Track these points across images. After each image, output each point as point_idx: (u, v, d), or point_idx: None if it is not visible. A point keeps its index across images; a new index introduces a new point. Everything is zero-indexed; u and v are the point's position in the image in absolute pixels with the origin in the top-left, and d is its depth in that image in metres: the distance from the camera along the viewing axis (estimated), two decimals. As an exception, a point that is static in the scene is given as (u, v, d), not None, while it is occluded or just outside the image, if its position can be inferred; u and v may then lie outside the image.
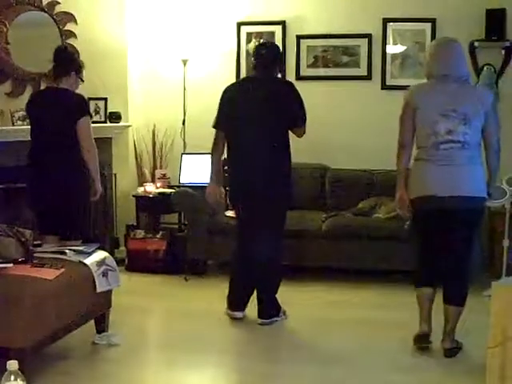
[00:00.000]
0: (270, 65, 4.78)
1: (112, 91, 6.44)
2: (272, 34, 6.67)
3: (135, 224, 6.56)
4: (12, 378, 2.04)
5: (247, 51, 6.63)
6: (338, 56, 6.63)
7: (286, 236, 5.46)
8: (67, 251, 4.23)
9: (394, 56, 6.54)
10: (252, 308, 4.85)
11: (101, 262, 4.27)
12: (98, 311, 4.34)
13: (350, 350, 4.32)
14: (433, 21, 6.36)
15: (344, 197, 6.28)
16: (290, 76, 6.67)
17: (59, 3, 5.97)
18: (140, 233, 6.38)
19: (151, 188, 6.53)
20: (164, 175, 6.67)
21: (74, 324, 4.08)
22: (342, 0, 6.56)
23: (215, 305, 4.98)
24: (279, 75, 4.99)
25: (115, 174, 6.55)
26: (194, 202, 6.01)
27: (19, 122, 5.52)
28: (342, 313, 5.08)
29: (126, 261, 6.32)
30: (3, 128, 5.47)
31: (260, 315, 4.80)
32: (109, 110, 6.42)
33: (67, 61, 4.72)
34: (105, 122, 6.41)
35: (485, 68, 6.24)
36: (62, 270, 3.93)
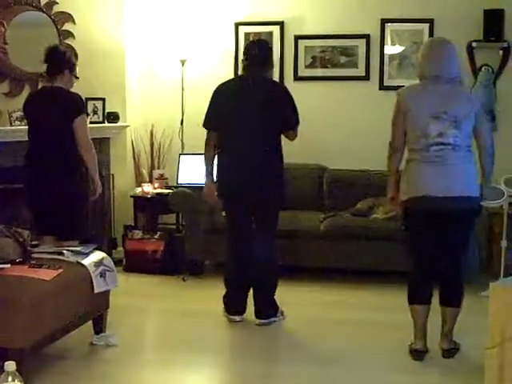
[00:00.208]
0: (262, 64, 4.76)
1: (110, 91, 6.44)
2: (270, 34, 6.67)
3: (133, 224, 6.56)
4: (10, 378, 2.03)
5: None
6: (336, 56, 6.63)
7: (284, 236, 5.50)
8: (65, 252, 4.23)
9: (392, 56, 6.54)
10: (250, 308, 4.85)
11: (98, 263, 4.26)
12: (96, 312, 4.33)
13: (348, 350, 4.32)
14: (431, 21, 6.37)
15: (342, 197, 6.28)
16: (288, 76, 6.69)
17: (57, 3, 5.97)
18: (138, 233, 6.38)
19: (149, 188, 6.53)
20: (162, 175, 6.67)
21: (71, 325, 4.08)
22: (340, 0, 6.56)
23: (213, 305, 4.98)
24: (269, 73, 4.95)
25: (113, 175, 6.54)
26: (191, 203, 6.01)
27: (17, 122, 5.52)
28: (341, 313, 5.08)
29: (124, 261, 6.32)
30: (1, 128, 5.47)
31: (258, 315, 4.79)
32: (107, 110, 6.42)
33: (60, 60, 4.71)
34: (103, 122, 6.41)
35: (483, 68, 6.25)
36: (60, 270, 3.93)
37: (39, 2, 5.84)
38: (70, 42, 6.06)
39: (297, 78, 6.69)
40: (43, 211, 4.69)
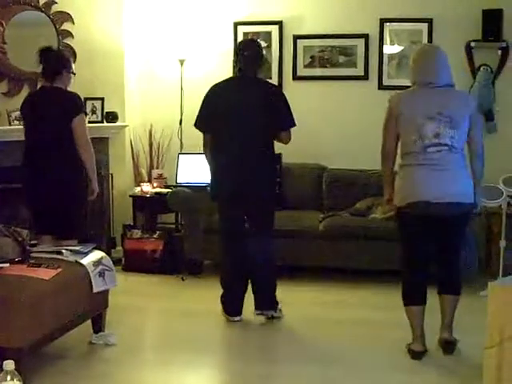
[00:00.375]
0: (254, 64, 4.75)
1: (109, 91, 6.43)
2: (269, 33, 6.67)
3: (132, 224, 6.56)
4: (8, 377, 2.04)
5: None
6: (334, 56, 6.63)
7: (284, 236, 5.50)
8: (64, 251, 4.23)
9: (391, 56, 6.55)
10: (249, 308, 4.85)
11: (97, 262, 4.26)
12: (95, 311, 4.33)
13: (348, 350, 4.32)
14: (429, 21, 6.37)
15: (341, 197, 6.28)
16: (287, 76, 6.69)
17: (56, 3, 5.97)
18: (137, 233, 6.38)
19: (148, 188, 6.53)
20: (161, 175, 6.67)
21: (70, 324, 4.07)
22: (339, 0, 6.56)
23: (212, 305, 4.98)
24: (262, 72, 4.95)
25: (112, 174, 6.54)
26: (190, 202, 6.01)
27: (16, 122, 5.51)
28: (340, 313, 5.08)
29: (123, 261, 6.32)
30: (0, 128, 5.46)
31: (257, 307, 4.81)
32: (106, 110, 6.41)
33: (55, 61, 4.71)
34: (101, 121, 6.41)
35: (481, 68, 6.25)
36: (59, 269, 3.93)
37: (38, 2, 5.84)
38: (68, 42, 6.06)
39: (296, 77, 6.69)
40: (42, 210, 4.69)
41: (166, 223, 6.73)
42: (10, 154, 5.33)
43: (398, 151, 4.16)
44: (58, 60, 4.73)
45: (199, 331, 4.69)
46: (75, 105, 4.67)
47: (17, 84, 5.69)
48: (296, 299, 5.31)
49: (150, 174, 6.76)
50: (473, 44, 6.23)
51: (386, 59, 6.54)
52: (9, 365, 2.05)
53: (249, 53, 4.74)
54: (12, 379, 2.04)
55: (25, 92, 5.59)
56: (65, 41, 6.02)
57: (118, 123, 6.54)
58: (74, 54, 5.98)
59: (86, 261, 4.20)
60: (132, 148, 6.81)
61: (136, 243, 6.31)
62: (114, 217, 6.62)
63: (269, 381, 3.95)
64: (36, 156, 4.66)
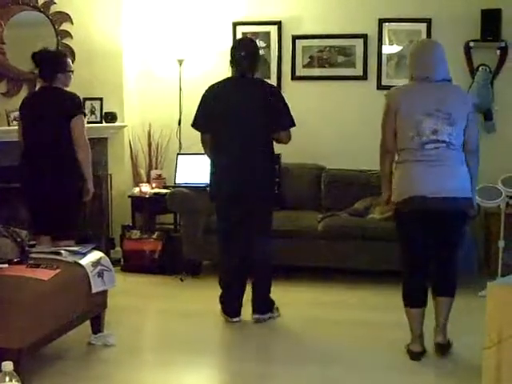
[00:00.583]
0: (252, 65, 4.74)
1: (108, 91, 6.43)
2: (267, 34, 6.67)
3: (131, 224, 6.55)
4: (7, 379, 2.03)
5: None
6: (333, 56, 6.63)
7: (282, 236, 5.50)
8: (63, 252, 4.23)
9: (390, 56, 6.55)
10: (247, 308, 4.85)
11: (96, 263, 4.26)
12: (94, 312, 4.33)
13: (347, 350, 4.32)
14: (428, 21, 6.37)
15: (340, 197, 6.28)
16: (286, 76, 6.69)
17: (55, 3, 5.97)
18: (135, 233, 6.38)
19: (147, 188, 6.52)
20: (159, 175, 6.67)
21: (69, 324, 4.07)
22: (338, 0, 6.56)
23: (211, 305, 4.98)
24: (258, 72, 4.94)
25: (111, 175, 6.54)
26: (189, 203, 6.01)
27: (15, 122, 5.50)
28: (339, 313, 5.08)
29: (122, 261, 6.32)
30: (-1, 128, 5.47)
31: (254, 311, 4.81)
32: (104, 110, 6.41)
33: (50, 62, 4.71)
34: (100, 122, 6.40)
35: (480, 68, 6.25)
36: (58, 270, 3.93)
37: (37, 2, 5.84)
38: (67, 42, 6.06)
39: (294, 77, 6.69)
40: (40, 210, 4.69)
41: (164, 224, 6.72)
42: (8, 154, 5.32)
43: None
44: (52, 62, 4.73)
45: (198, 331, 4.69)
46: (74, 105, 4.68)
47: (16, 84, 5.69)
48: (295, 299, 5.31)
49: (148, 175, 6.76)
50: (471, 44, 6.24)
51: (384, 59, 6.54)
52: (7, 366, 2.04)
53: (246, 52, 4.73)
54: (11, 380, 2.03)
55: (24, 92, 5.60)
56: (64, 41, 6.02)
57: (116, 123, 6.54)
58: (73, 54, 5.97)
59: (85, 261, 4.20)
60: (131, 148, 6.81)
61: (135, 244, 6.31)
62: (112, 217, 6.61)
63: (268, 381, 3.95)
64: (35, 156, 4.67)
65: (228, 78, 4.87)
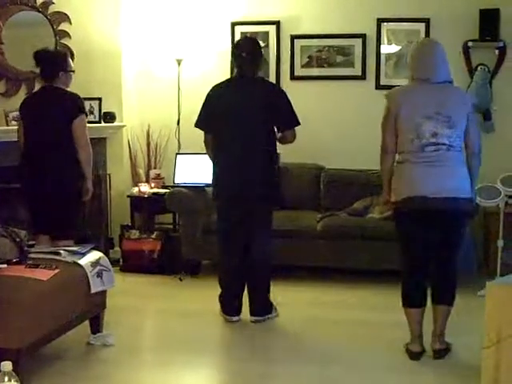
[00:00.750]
0: (253, 65, 4.73)
1: (106, 91, 6.43)
2: (266, 33, 6.67)
3: (130, 224, 6.55)
4: (6, 379, 2.03)
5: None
6: (332, 56, 6.63)
7: (281, 236, 5.49)
8: (62, 252, 4.22)
9: (389, 56, 6.55)
10: (246, 308, 4.85)
11: (95, 263, 4.26)
12: (93, 312, 4.33)
13: (347, 350, 4.32)
14: (427, 21, 6.37)
15: (339, 197, 6.28)
16: (285, 76, 6.69)
17: (53, 3, 5.96)
18: (135, 233, 6.38)
19: (146, 188, 6.52)
20: (158, 175, 6.66)
21: (68, 324, 4.07)
22: (337, 0, 6.56)
23: (210, 305, 4.98)
24: (261, 71, 4.94)
25: (110, 175, 6.53)
26: (188, 203, 6.00)
27: (13, 122, 5.50)
28: (338, 313, 5.08)
29: (121, 261, 6.31)
30: (-2, 128, 5.46)
31: (252, 313, 4.80)
32: (103, 110, 6.40)
33: (51, 62, 4.71)
34: (99, 122, 6.40)
35: (479, 68, 6.25)
36: (57, 270, 3.93)
37: (35, 2, 5.83)
38: (66, 42, 6.05)
39: (293, 77, 6.69)
40: (40, 210, 4.69)
41: (163, 223, 6.73)
42: (8, 155, 5.31)
43: None
44: (53, 62, 4.72)
45: (197, 331, 4.69)
46: (76, 105, 4.67)
47: (14, 84, 5.68)
48: (294, 299, 5.31)
49: (147, 175, 6.76)
50: (470, 44, 6.24)
51: (383, 59, 6.55)
52: (6, 366, 2.04)
53: (247, 53, 4.72)
54: (10, 380, 2.03)
55: (22, 92, 5.59)
56: (62, 41, 6.01)
57: (115, 123, 6.54)
58: (72, 55, 5.96)
59: (84, 261, 4.20)
60: (130, 148, 6.80)
61: (134, 244, 6.31)
62: (111, 217, 6.61)
63: (267, 380, 3.95)
64: (36, 156, 4.67)
65: (231, 78, 4.88)
